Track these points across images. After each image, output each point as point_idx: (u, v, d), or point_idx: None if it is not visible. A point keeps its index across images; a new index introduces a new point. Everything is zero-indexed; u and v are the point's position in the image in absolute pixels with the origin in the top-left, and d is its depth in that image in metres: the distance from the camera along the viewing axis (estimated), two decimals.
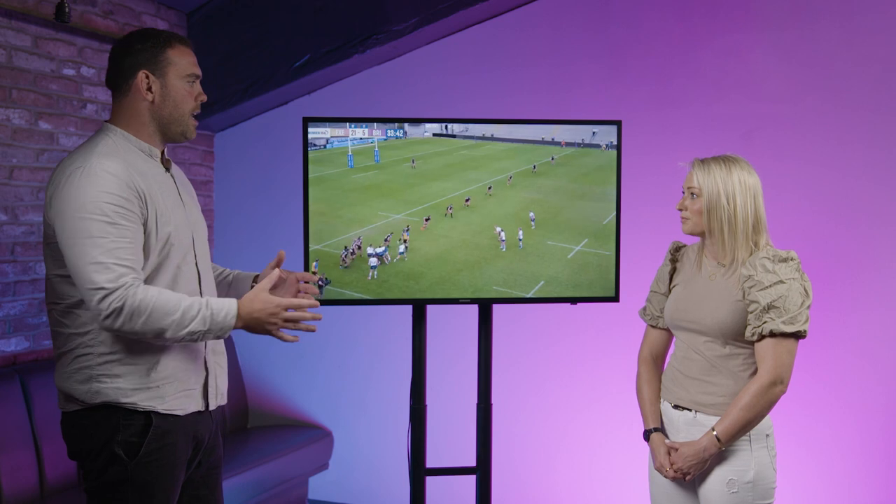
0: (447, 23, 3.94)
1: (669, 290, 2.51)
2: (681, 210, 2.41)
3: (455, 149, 3.06)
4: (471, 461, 3.20)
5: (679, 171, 3.70)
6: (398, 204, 3.03)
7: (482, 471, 3.09)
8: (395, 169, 3.03)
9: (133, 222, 2.04)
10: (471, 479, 3.15)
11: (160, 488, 2.13)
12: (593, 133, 3.00)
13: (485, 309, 3.07)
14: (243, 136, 4.52)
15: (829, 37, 3.53)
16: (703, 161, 2.37)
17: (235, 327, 2.09)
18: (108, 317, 1.99)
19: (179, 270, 2.17)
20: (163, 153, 2.25)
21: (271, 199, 4.47)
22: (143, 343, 2.10)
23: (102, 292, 1.98)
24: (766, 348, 2.25)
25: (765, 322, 2.23)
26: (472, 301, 3.00)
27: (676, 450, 2.34)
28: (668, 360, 2.53)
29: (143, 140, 2.18)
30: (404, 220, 2.98)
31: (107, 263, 1.98)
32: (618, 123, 3.00)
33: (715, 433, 2.26)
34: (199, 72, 2.23)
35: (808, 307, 2.26)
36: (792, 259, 2.28)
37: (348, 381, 4.40)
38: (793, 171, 3.53)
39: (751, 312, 2.26)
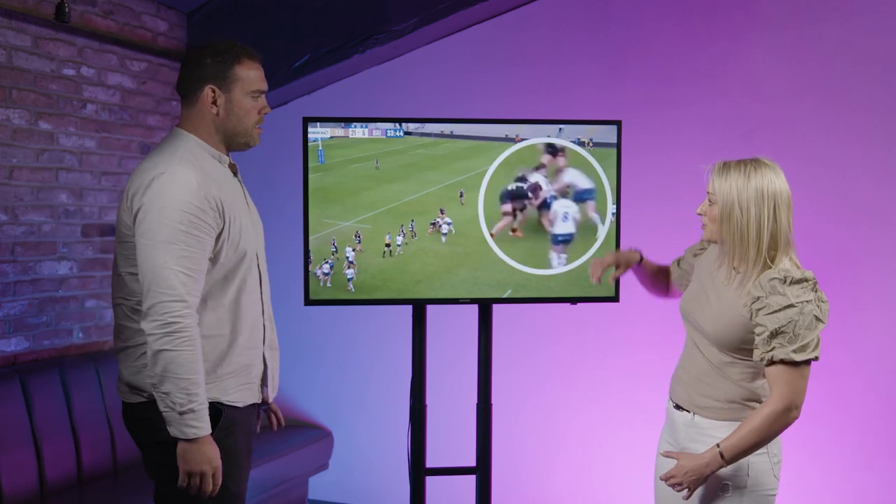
0: (447, 23, 3.94)
1: (690, 265, 2.52)
2: (700, 214, 2.34)
3: (411, 147, 2.92)
4: (471, 461, 3.20)
5: (679, 170, 3.71)
6: (346, 210, 2.89)
7: (482, 471, 3.09)
8: (343, 170, 2.91)
9: (205, 233, 2.13)
10: (471, 479, 3.15)
11: (229, 478, 2.21)
12: (560, 129, 2.83)
13: (485, 309, 3.07)
14: None
15: (829, 37, 3.53)
16: (724, 165, 2.26)
17: (188, 439, 2.08)
18: (167, 322, 2.05)
19: (248, 273, 2.28)
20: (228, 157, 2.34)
21: (271, 199, 4.46)
22: (212, 340, 2.19)
23: (176, 295, 2.06)
24: (777, 374, 2.14)
25: (773, 348, 2.13)
26: (472, 301, 2.99)
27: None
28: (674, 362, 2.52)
29: (212, 146, 2.27)
30: (353, 227, 2.85)
31: (176, 271, 2.07)
32: (618, 123, 3.00)
33: (720, 449, 2.17)
34: (265, 87, 2.30)
35: (821, 330, 2.16)
36: (807, 280, 2.15)
37: (348, 381, 4.40)
38: (793, 171, 3.50)
39: (758, 336, 2.16)
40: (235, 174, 2.35)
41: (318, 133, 2.93)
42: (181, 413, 2.07)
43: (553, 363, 4.01)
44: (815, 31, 3.55)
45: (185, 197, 2.10)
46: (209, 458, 2.12)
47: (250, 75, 2.26)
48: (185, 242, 2.09)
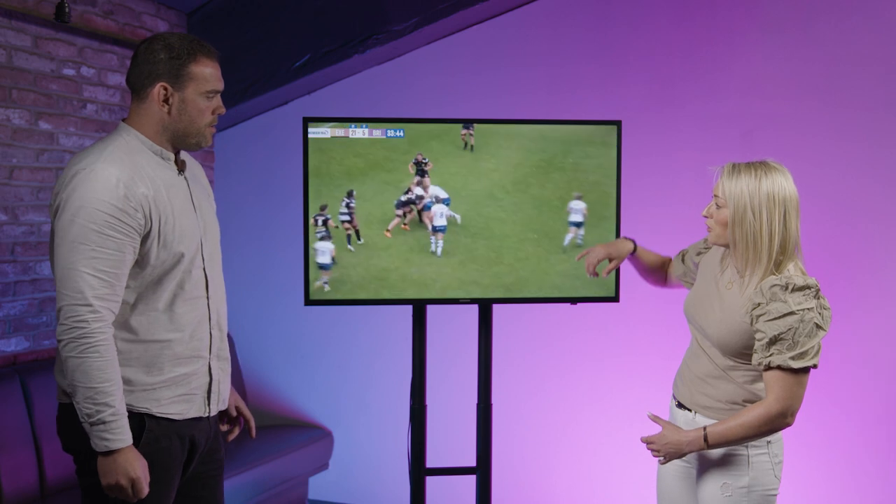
0: (447, 23, 3.94)
1: (696, 265, 2.50)
2: (706, 217, 2.31)
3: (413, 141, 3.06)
4: (471, 461, 3.20)
5: (679, 170, 3.71)
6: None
7: (482, 471, 3.09)
8: (343, 170, 3.05)
9: (124, 234, 2.02)
10: (471, 479, 3.15)
11: (152, 490, 2.12)
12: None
13: (485, 309, 3.08)
14: (243, 136, 4.53)
15: (829, 37, 3.53)
16: (734, 167, 2.23)
17: (101, 452, 2.01)
18: (71, 327, 1.98)
19: (187, 276, 2.16)
20: (177, 154, 2.22)
21: (271, 199, 4.47)
22: (143, 345, 2.10)
23: (82, 299, 1.98)
24: (774, 379, 2.14)
25: (771, 354, 2.12)
26: (472, 301, 3.00)
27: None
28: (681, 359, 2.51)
29: (156, 143, 2.15)
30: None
31: (84, 273, 1.98)
32: (618, 123, 3.00)
33: (705, 433, 2.19)
34: (220, 86, 2.18)
35: (822, 337, 2.15)
36: (809, 287, 2.14)
37: (348, 381, 4.40)
38: (793, 171, 3.52)
39: (758, 341, 2.16)
40: (182, 171, 2.21)
41: (318, 133, 2.93)
42: (91, 424, 1.99)
43: (553, 363, 4.01)
44: (815, 31, 3.55)
45: (102, 195, 1.99)
46: (125, 469, 2.01)
47: (206, 74, 2.13)
48: (97, 243, 1.98)
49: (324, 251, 2.96)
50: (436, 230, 3.00)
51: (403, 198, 2.99)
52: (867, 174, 3.49)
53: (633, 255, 2.70)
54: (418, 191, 2.99)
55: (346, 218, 2.97)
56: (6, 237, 3.45)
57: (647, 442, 2.29)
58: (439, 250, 3.00)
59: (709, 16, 3.71)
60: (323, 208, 2.95)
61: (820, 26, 3.54)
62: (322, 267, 2.96)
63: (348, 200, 2.97)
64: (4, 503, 3.11)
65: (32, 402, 3.28)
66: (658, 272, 2.71)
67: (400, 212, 3.00)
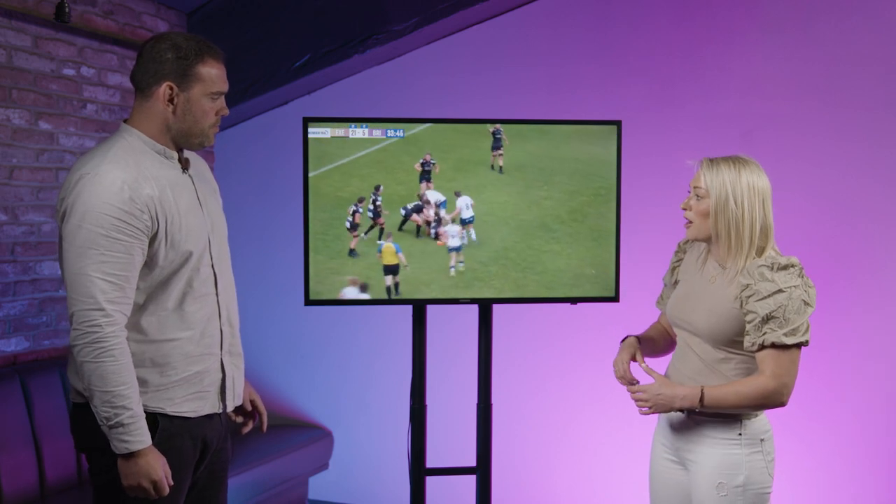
0: (447, 23, 3.94)
1: (675, 282, 2.50)
2: (684, 209, 2.34)
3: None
4: (471, 461, 3.20)
5: (679, 170, 3.70)
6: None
7: (482, 471, 3.09)
8: (343, 170, 3.01)
9: (132, 237, 2.03)
10: (471, 479, 3.15)
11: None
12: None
13: (485, 309, 3.07)
14: (243, 136, 4.52)
15: (829, 37, 3.53)
16: (711, 161, 2.30)
17: (121, 453, 2.04)
18: (85, 332, 2.00)
19: (195, 275, 2.16)
20: (181, 153, 2.22)
21: (271, 199, 4.47)
22: (155, 345, 2.11)
23: (94, 304, 2.00)
24: (769, 357, 2.18)
25: (765, 333, 2.17)
26: (472, 301, 3.00)
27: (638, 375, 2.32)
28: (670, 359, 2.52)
29: (159, 143, 2.15)
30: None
31: (94, 277, 1.99)
32: (618, 123, 3.00)
33: (702, 392, 2.20)
34: (225, 88, 2.18)
35: (810, 314, 2.20)
36: (793, 266, 2.21)
37: (348, 381, 4.40)
38: (793, 171, 3.53)
39: (749, 322, 2.20)
40: (186, 169, 2.21)
41: (318, 133, 2.93)
42: (110, 427, 2.01)
43: (553, 363, 4.01)
44: (815, 31, 3.55)
45: (107, 199, 2.00)
46: (146, 472, 2.04)
47: (212, 75, 2.13)
48: (105, 247, 1.99)
49: (453, 234, 2.94)
50: (465, 223, 2.94)
51: (432, 211, 2.93)
52: (867, 174, 3.49)
53: (640, 341, 2.55)
54: (433, 197, 2.92)
55: (371, 214, 2.93)
56: (6, 237, 3.45)
57: (636, 391, 2.29)
58: (473, 238, 2.94)
59: (709, 16, 3.71)
60: (360, 200, 2.92)
61: (820, 26, 3.54)
62: (454, 249, 2.93)
63: (374, 197, 2.93)
64: (4, 503, 3.11)
65: (32, 402, 3.29)
66: (665, 335, 2.59)
67: (444, 224, 2.96)
